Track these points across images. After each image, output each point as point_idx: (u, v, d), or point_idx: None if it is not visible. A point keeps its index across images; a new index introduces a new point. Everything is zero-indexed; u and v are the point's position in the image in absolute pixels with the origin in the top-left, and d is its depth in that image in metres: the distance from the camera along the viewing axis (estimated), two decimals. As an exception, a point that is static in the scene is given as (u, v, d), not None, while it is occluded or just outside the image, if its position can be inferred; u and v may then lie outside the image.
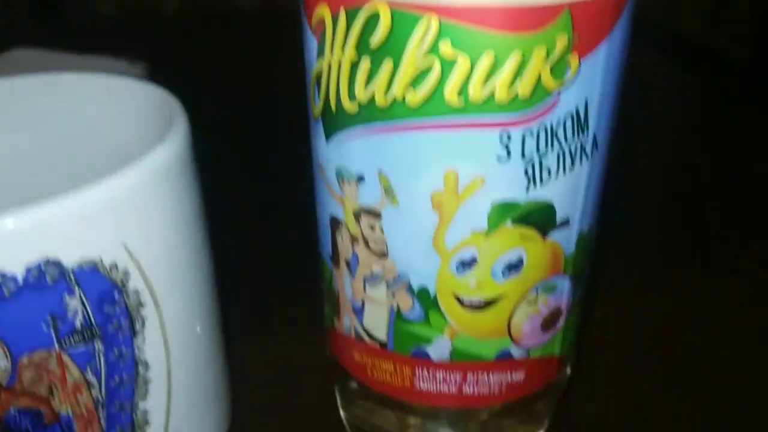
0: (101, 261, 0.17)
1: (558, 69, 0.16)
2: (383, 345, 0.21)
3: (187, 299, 0.21)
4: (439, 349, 0.21)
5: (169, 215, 0.19)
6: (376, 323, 0.21)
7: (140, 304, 0.19)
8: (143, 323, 0.19)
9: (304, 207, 0.24)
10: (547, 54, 0.16)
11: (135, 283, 0.18)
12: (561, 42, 0.16)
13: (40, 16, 1.20)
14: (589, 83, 0.17)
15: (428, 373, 0.21)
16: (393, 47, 0.16)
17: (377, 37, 0.16)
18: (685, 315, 0.32)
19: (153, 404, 0.21)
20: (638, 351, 0.30)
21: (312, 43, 0.18)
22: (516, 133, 0.17)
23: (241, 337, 0.28)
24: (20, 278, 0.16)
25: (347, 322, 0.22)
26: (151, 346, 0.20)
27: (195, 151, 0.20)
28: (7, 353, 0.17)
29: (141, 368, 0.20)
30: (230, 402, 0.26)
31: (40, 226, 0.16)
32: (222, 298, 0.24)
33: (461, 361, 0.21)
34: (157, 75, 0.56)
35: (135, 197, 0.18)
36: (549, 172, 0.18)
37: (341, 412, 0.26)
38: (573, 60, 0.16)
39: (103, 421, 0.20)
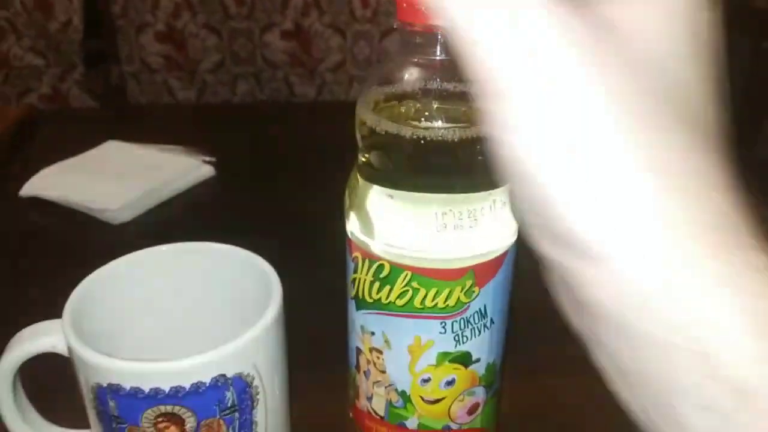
0: (243, 372, 0.35)
1: (468, 293, 0.34)
2: (382, 418, 0.39)
3: (277, 385, 0.38)
4: (412, 422, 0.38)
5: (274, 344, 0.37)
6: (379, 407, 0.39)
7: (257, 393, 0.37)
8: (257, 402, 0.37)
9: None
10: (462, 288, 0.34)
11: (256, 381, 0.36)
12: (468, 282, 0.34)
13: (103, 103, 1.40)
14: (486, 297, 0.35)
15: (406, 435, 0.39)
16: (390, 280, 0.34)
17: (383, 274, 0.34)
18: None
19: (257, 446, 0.38)
20: (540, 420, 0.47)
21: (351, 265, 0.37)
22: (448, 322, 0.35)
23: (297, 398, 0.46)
24: (208, 384, 0.34)
25: (363, 403, 0.40)
26: (260, 413, 0.37)
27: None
28: (196, 419, 0.35)
29: (254, 426, 0.38)
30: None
31: (217, 358, 0.34)
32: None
33: (424, 430, 0.38)
34: (221, 167, 0.74)
35: (260, 339, 0.36)
36: (467, 338, 0.36)
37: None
38: (476, 289, 0.35)
39: (233, 455, 0.37)
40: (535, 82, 0.20)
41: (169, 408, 0.35)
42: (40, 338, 0.38)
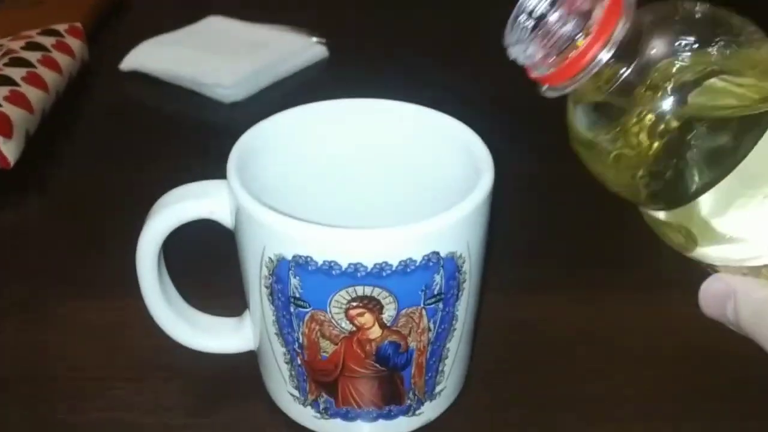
0: (456, 253, 0.28)
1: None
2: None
3: (478, 275, 0.31)
4: None
5: (484, 221, 0.29)
6: None
7: (464, 280, 0.30)
8: (462, 292, 0.30)
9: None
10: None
11: (465, 266, 0.29)
12: None
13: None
14: None
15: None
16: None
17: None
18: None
19: (452, 344, 0.31)
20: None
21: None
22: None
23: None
24: (418, 262, 0.27)
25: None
26: (461, 306, 0.30)
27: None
28: (397, 307, 0.28)
29: (454, 321, 0.30)
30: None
31: (433, 231, 0.27)
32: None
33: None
34: (334, 49, 0.66)
35: (475, 214, 0.28)
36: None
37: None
38: None
39: (428, 354, 0.30)
40: None
41: (367, 290, 0.28)
42: (193, 201, 0.32)
